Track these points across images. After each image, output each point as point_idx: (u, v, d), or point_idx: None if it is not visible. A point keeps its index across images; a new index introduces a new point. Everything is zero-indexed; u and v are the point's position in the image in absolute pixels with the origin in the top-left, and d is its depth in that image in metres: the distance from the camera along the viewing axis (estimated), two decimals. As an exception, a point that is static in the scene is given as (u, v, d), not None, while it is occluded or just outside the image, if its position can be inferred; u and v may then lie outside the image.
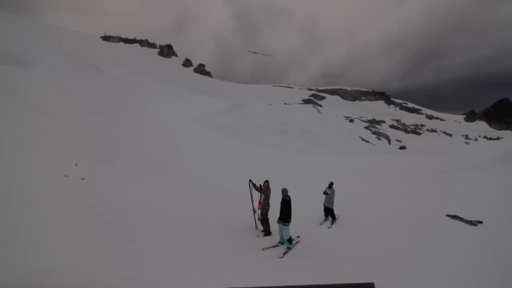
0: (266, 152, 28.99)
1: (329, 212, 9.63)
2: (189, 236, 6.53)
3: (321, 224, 9.36)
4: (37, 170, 8.50)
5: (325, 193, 9.74)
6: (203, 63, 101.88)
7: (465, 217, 10.65)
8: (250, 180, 7.62)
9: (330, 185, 9.97)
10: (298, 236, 7.55)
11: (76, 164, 10.59)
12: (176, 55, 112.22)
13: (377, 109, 79.01)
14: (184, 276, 4.46)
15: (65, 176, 8.88)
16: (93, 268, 3.46)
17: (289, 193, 7.14)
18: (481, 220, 10.35)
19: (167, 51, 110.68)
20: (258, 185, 7.61)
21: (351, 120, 55.31)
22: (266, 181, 7.61)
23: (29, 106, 14.41)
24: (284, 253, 6.60)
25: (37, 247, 4.21)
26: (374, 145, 44.68)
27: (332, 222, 9.47)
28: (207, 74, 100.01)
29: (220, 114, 42.52)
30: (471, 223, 10.16)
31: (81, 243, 4.69)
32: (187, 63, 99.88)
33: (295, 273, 5.74)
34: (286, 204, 6.94)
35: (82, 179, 9.10)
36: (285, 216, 6.85)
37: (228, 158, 21.75)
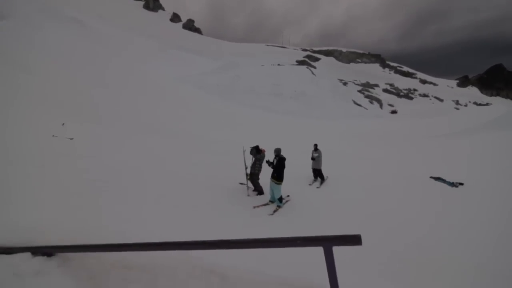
0: (258, 114, 28.75)
1: (317, 173, 9.88)
2: (182, 195, 6.63)
3: (310, 184, 9.63)
4: (22, 130, 8.25)
5: (312, 158, 9.93)
6: (192, 18, 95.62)
7: (447, 179, 11.13)
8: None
9: (315, 147, 10.14)
10: (288, 196, 7.79)
11: (63, 124, 10.31)
12: (163, 9, 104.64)
13: (372, 72, 77.78)
14: (176, 231, 4.60)
15: (53, 136, 8.68)
16: (84, 224, 3.50)
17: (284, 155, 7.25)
18: (462, 182, 10.85)
19: (153, 4, 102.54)
20: (251, 148, 7.67)
21: (345, 83, 54.61)
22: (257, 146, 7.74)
23: (12, 65, 13.53)
24: (274, 211, 6.85)
25: (27, 204, 4.20)
26: (366, 109, 44.80)
27: (321, 183, 9.76)
28: (197, 30, 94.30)
29: (210, 74, 41.14)
30: (452, 184, 10.64)
31: (71, 201, 4.70)
32: (175, 18, 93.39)
33: (284, 229, 6.00)
34: (281, 163, 7.05)
35: (70, 139, 8.92)
36: (279, 175, 6.98)
37: (219, 120, 21.52)
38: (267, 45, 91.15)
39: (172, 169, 8.44)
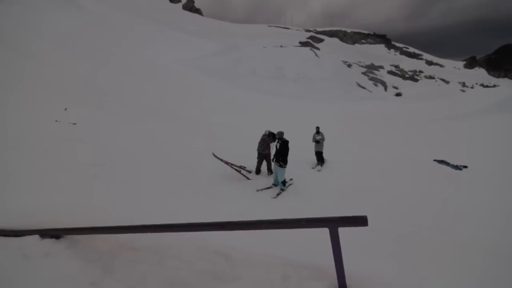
0: (260, 98, 28.46)
1: (319, 156, 9.89)
2: (185, 179, 6.68)
3: (313, 168, 9.66)
4: (26, 116, 8.24)
5: (316, 141, 9.91)
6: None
7: (451, 162, 11.08)
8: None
9: (317, 130, 10.09)
10: (291, 179, 7.83)
11: (66, 109, 10.28)
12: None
13: (377, 53, 76.05)
14: (179, 213, 4.66)
15: (56, 121, 8.68)
16: (90, 206, 3.55)
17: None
18: (466, 165, 10.80)
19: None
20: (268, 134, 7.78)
21: (349, 65, 53.59)
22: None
23: (12, 50, 13.33)
24: (278, 194, 6.90)
25: (33, 188, 4.26)
26: (371, 91, 44.15)
27: (321, 165, 9.79)
28: (197, 11, 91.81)
29: (211, 56, 40.45)
30: (456, 167, 10.60)
31: (76, 184, 4.76)
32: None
33: (289, 211, 6.06)
34: (284, 146, 7.01)
35: (74, 124, 8.93)
36: (283, 158, 6.96)
37: (221, 104, 21.37)
38: (269, 26, 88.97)
39: (174, 153, 8.47)
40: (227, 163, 7.69)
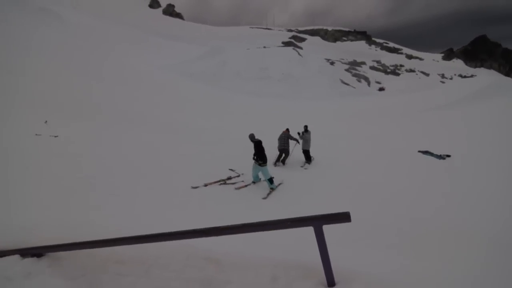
0: (247, 99, 28.45)
1: (305, 154, 9.98)
2: (171, 186, 6.60)
3: (301, 166, 9.73)
4: (3, 131, 7.95)
5: (301, 137, 10.01)
6: (172, 3, 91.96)
7: (435, 152, 11.38)
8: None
9: (306, 128, 10.20)
10: (280, 184, 7.87)
11: (46, 121, 9.98)
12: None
13: (358, 50, 77.44)
14: (170, 222, 4.60)
15: (36, 135, 8.42)
16: (76, 221, 3.45)
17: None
18: (449, 154, 11.12)
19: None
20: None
21: (332, 63, 54.34)
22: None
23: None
24: (268, 194, 6.94)
25: (16, 206, 4.11)
26: (354, 87, 44.90)
27: (308, 163, 9.87)
28: (178, 16, 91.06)
29: (195, 61, 40.18)
30: (440, 157, 10.90)
31: (61, 199, 4.62)
32: (154, 4, 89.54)
33: (278, 212, 6.08)
34: (259, 146, 7.33)
35: (55, 137, 8.67)
36: (261, 157, 7.24)
37: (207, 107, 21.25)
38: (252, 28, 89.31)
39: (160, 161, 8.35)
40: (214, 182, 7.48)
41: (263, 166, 7.21)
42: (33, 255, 2.35)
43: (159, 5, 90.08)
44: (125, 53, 33.12)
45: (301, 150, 10.09)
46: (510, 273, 4.15)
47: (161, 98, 19.85)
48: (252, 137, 7.62)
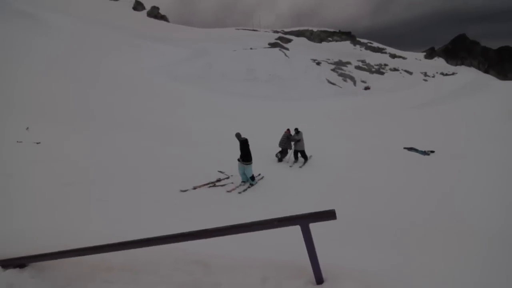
0: (235, 101, 28.39)
1: (301, 154, 10.11)
2: (161, 190, 6.53)
3: (291, 166, 9.80)
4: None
5: (295, 140, 10.08)
6: (156, 5, 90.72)
7: (420, 149, 11.68)
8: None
9: (297, 131, 10.30)
10: (259, 174, 8.21)
11: (28, 128, 9.69)
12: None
13: (343, 50, 78.58)
14: (158, 226, 4.53)
15: (17, 142, 8.16)
16: (61, 228, 3.36)
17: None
18: (433, 150, 11.44)
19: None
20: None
21: (318, 63, 54.94)
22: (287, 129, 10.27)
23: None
24: (245, 190, 7.30)
25: (1, 215, 3.99)
26: (341, 87, 45.53)
27: (304, 163, 10.02)
28: (163, 18, 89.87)
29: (181, 63, 39.77)
30: (424, 153, 11.21)
31: (45, 207, 4.50)
32: (138, 6, 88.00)
33: (257, 208, 6.13)
34: (245, 145, 7.52)
35: (37, 143, 8.43)
36: (246, 156, 7.46)
37: (195, 109, 21.07)
38: (237, 29, 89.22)
39: (148, 164, 8.24)
40: (203, 185, 7.38)
41: (247, 164, 7.46)
42: (15, 266, 2.27)
43: (143, 8, 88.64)
44: (108, 56, 32.44)
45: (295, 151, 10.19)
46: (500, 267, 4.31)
47: (148, 100, 19.55)
48: (238, 135, 7.76)
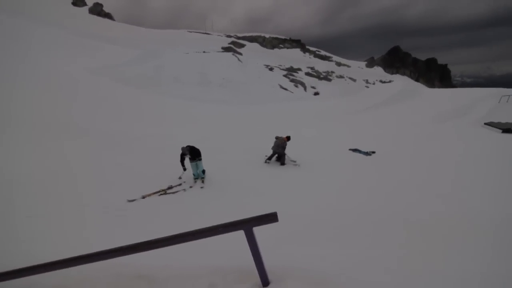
0: (187, 104, 27.69)
1: (278, 157, 10.75)
2: (104, 201, 6.06)
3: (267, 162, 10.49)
4: None
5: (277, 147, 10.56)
6: (100, 2, 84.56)
7: (363, 149, 12.68)
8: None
9: (276, 137, 10.97)
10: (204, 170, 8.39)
11: None
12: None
13: (294, 57, 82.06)
14: (103, 240, 4.20)
15: None
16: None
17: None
18: (374, 150, 12.52)
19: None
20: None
21: (271, 69, 56.44)
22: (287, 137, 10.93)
23: None
24: (203, 181, 7.98)
25: None
26: (292, 92, 47.33)
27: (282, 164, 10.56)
28: (107, 16, 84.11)
29: (129, 64, 37.54)
30: (367, 153, 12.19)
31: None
32: (78, 1, 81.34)
33: (208, 213, 6.05)
34: (192, 149, 8.08)
35: None
36: (198, 154, 8.09)
37: (145, 114, 20.03)
38: (190, 32, 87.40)
39: (94, 173, 7.60)
40: (153, 193, 7.09)
41: (199, 160, 8.07)
42: None
43: (84, 4, 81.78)
44: (46, 54, 29.17)
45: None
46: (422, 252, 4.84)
47: (92, 103, 18.02)
48: (183, 149, 7.98)
